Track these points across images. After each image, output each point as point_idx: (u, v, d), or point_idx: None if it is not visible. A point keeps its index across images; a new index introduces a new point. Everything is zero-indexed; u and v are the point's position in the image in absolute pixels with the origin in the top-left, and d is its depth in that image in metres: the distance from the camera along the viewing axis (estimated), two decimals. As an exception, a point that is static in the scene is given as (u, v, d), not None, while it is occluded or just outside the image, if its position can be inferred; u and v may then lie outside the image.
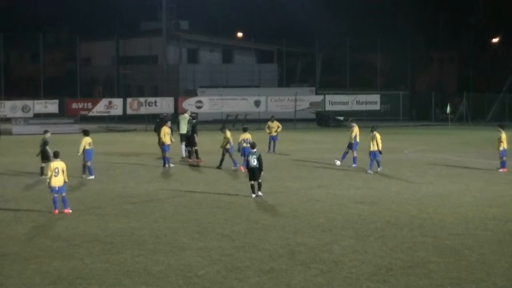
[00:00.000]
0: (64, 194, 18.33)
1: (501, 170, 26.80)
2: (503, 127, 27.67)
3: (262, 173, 20.93)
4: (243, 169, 25.52)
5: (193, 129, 30.02)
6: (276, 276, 12.50)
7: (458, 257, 13.77)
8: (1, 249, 14.47)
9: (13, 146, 37.37)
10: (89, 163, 24.88)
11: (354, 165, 28.08)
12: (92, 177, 24.58)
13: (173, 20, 69.66)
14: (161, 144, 28.32)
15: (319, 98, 60.63)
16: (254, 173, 20.79)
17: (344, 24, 69.69)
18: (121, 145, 38.82)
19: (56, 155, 18.57)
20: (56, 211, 18.09)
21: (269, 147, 34.29)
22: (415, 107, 69.29)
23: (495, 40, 74.35)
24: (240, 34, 75.56)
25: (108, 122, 54.01)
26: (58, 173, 18.15)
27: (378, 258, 13.63)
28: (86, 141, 25.10)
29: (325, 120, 58.83)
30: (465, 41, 75.72)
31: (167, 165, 27.79)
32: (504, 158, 26.98)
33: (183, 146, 30.63)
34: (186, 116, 30.96)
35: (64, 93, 58.20)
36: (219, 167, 27.55)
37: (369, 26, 71.26)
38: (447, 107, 61.36)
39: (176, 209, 19.02)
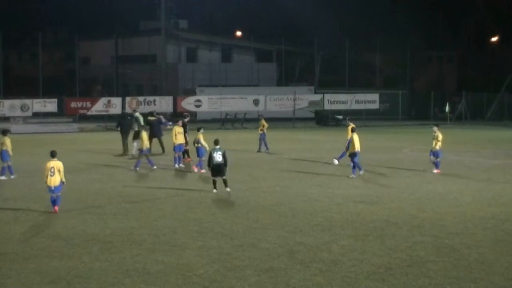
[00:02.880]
0: (59, 194, 18.29)
1: (435, 171, 26.01)
2: (438, 126, 26.78)
3: (227, 169, 20.99)
4: (202, 171, 25.37)
5: (184, 128, 29.96)
6: (275, 275, 12.50)
7: (457, 257, 13.77)
8: None
9: (12, 145, 37.23)
10: (5, 164, 24.80)
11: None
12: (3, 177, 24.51)
13: (172, 19, 69.72)
14: (173, 143, 28.33)
15: (318, 97, 60.68)
16: (219, 169, 20.78)
17: (343, 23, 69.76)
18: (120, 144, 38.77)
19: (53, 155, 18.51)
20: (56, 208, 18.14)
21: (265, 145, 34.15)
22: (414, 106, 69.33)
23: (494, 39, 74.39)
24: (239, 33, 75.59)
25: (107, 121, 54.00)
26: (54, 172, 18.13)
27: (377, 257, 13.63)
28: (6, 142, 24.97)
29: (324, 119, 58.87)
30: (464, 40, 75.81)
31: (177, 165, 27.75)
32: (439, 159, 26.21)
33: (136, 144, 30.96)
34: (138, 115, 33.39)
35: (63, 92, 58.23)
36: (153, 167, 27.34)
37: (368, 25, 71.30)
38: (446, 106, 61.42)
39: (175, 208, 19.02)
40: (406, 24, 72.98)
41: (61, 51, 78.07)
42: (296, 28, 72.82)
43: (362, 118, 56.42)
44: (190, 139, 29.01)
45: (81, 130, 52.21)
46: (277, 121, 57.18)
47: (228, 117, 57.92)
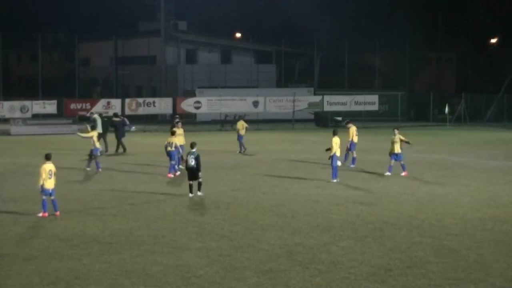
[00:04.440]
0: (53, 197, 18.23)
1: (403, 174, 25.62)
2: (398, 129, 26.35)
3: (200, 173, 20.68)
4: (170, 175, 25.08)
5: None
6: (275, 276, 12.50)
7: (457, 258, 13.78)
8: (-1, 249, 14.48)
9: (12, 147, 37.29)
10: None
11: (352, 166, 28.09)
12: None
13: (172, 21, 69.62)
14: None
15: (317, 98, 60.63)
16: (192, 173, 20.58)
17: (343, 25, 69.76)
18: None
19: (48, 157, 18.43)
20: (46, 214, 17.93)
21: (242, 146, 34.33)
22: (413, 107, 69.32)
23: (493, 40, 74.42)
24: (238, 35, 75.54)
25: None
26: (51, 175, 18.10)
27: (376, 259, 13.64)
28: None
29: (323, 120, 58.84)
30: (463, 41, 75.79)
31: (180, 166, 27.84)
32: (402, 162, 25.85)
33: (104, 143, 32.03)
34: (96, 117, 34.17)
35: (62, 93, 58.18)
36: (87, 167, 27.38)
37: (367, 26, 71.30)
38: (445, 107, 61.40)
39: (174, 209, 19.02)
40: (405, 25, 72.96)
41: (61, 52, 78.04)
42: (296, 29, 72.80)
43: (361, 119, 56.41)
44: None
45: (80, 131, 52.18)
46: (277, 122, 57.19)
47: (227, 118, 57.90)
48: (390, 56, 73.43)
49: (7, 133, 46.69)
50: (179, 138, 28.21)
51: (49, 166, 18.16)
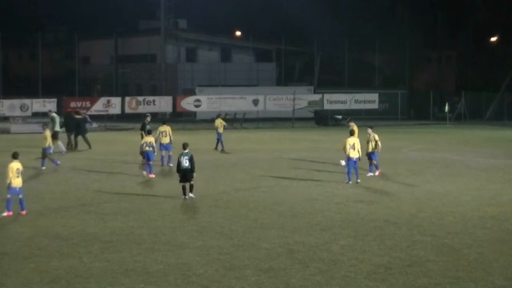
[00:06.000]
0: (21, 196, 18.09)
1: (377, 173, 25.23)
2: (372, 128, 25.78)
3: (194, 174, 20.17)
4: (152, 176, 24.75)
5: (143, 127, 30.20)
6: (275, 275, 12.50)
7: (457, 256, 13.78)
8: (-1, 248, 14.48)
9: (11, 145, 37.25)
10: None
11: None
12: None
13: (172, 19, 69.63)
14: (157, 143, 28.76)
15: (317, 97, 60.64)
16: (185, 175, 19.96)
17: (343, 23, 69.74)
18: (119, 144, 38.82)
19: (15, 156, 18.29)
20: (11, 213, 17.77)
21: (221, 144, 34.62)
22: (413, 106, 69.33)
23: (493, 39, 74.39)
24: (238, 33, 75.54)
25: (107, 121, 53.98)
26: (19, 174, 18.04)
27: (376, 257, 13.63)
28: None
29: (323, 119, 58.85)
30: (463, 40, 75.75)
31: (169, 164, 27.92)
32: (375, 161, 25.39)
33: (59, 142, 32.87)
34: (55, 115, 35.13)
35: (62, 92, 58.16)
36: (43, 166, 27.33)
37: (367, 25, 71.30)
38: (445, 106, 61.40)
39: (174, 208, 19.02)
40: (406, 24, 72.99)
41: (61, 50, 78.00)
42: (296, 28, 72.76)
43: (361, 118, 56.41)
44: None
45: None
46: (277, 121, 57.19)
47: (227, 117, 57.88)
48: (390, 54, 73.45)
49: (7, 131, 46.69)
50: (165, 138, 28.33)
51: (16, 165, 18.05)
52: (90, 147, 34.77)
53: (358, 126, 26.94)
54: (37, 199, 20.14)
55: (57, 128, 34.14)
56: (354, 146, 23.20)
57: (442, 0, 75.85)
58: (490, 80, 70.19)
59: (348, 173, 23.41)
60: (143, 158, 26.39)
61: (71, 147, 35.23)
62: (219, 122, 34.89)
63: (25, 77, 70.05)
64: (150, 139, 25.59)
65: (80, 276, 12.41)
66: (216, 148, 34.47)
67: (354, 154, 23.20)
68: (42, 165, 27.19)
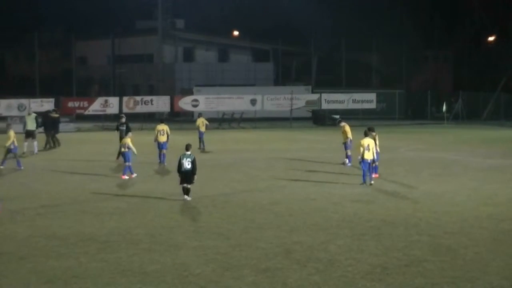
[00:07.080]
0: None
1: (374, 175, 23.89)
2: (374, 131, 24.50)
3: (195, 176, 19.97)
4: (124, 177, 24.50)
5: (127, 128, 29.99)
6: (272, 275, 12.49)
7: (454, 256, 13.78)
8: (-4, 248, 14.45)
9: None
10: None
11: (349, 164, 28.08)
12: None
13: (169, 19, 69.70)
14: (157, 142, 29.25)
15: (315, 96, 60.68)
16: (187, 176, 19.79)
17: (340, 23, 69.83)
18: (117, 144, 38.73)
19: None
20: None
21: (202, 143, 34.95)
22: (410, 106, 69.42)
23: (490, 39, 74.49)
24: (236, 33, 75.60)
25: (104, 120, 53.96)
26: None
27: (373, 257, 13.63)
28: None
29: (321, 119, 58.89)
30: (460, 40, 75.87)
31: (164, 163, 28.07)
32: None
33: (27, 143, 33.45)
34: (33, 115, 35.36)
35: (60, 92, 58.18)
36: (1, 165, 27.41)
37: (364, 25, 71.38)
38: (442, 106, 61.49)
39: (171, 208, 19.00)
40: (403, 23, 73.06)
41: (58, 50, 78.00)
42: (293, 28, 72.84)
43: (359, 117, 56.44)
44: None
45: (78, 130, 52.19)
46: (274, 120, 57.21)
47: (225, 116, 57.90)
48: (387, 54, 73.55)
49: (4, 131, 46.59)
50: (162, 137, 28.64)
51: None
52: (59, 145, 35.95)
53: (358, 126, 27.00)
54: (34, 198, 20.12)
55: (28, 127, 34.30)
56: (369, 147, 22.79)
57: (439, 0, 75.96)
58: (487, 80, 70.35)
59: (364, 175, 22.87)
60: (118, 158, 26.57)
61: (50, 146, 35.90)
62: (201, 121, 35.35)
63: (23, 77, 70.06)
64: (126, 140, 25.46)
65: (77, 276, 12.40)
66: (199, 147, 34.62)
67: (369, 156, 22.73)
68: (2, 164, 27.28)
